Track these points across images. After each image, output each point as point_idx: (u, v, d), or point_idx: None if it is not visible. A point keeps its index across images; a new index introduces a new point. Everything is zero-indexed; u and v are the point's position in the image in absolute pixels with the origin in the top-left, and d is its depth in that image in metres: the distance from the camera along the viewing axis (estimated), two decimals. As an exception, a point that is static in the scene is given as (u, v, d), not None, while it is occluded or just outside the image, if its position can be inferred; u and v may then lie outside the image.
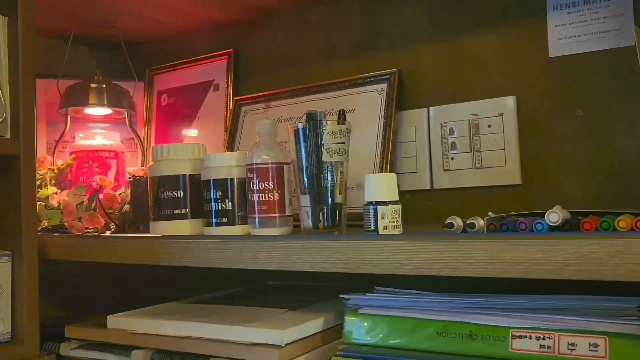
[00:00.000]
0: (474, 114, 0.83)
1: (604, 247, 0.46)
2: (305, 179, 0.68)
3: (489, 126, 0.82)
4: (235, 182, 0.74)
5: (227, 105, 1.09)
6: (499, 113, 0.81)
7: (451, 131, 0.85)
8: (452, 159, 0.84)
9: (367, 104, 0.89)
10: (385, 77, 0.89)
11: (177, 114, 1.17)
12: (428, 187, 0.87)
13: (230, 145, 1.04)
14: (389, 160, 0.84)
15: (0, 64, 0.82)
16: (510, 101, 0.81)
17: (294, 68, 1.04)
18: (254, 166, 0.71)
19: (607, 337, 0.52)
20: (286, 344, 0.64)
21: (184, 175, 0.78)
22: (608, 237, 0.46)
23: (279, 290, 0.95)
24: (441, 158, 0.85)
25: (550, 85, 0.80)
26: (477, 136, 0.82)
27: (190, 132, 1.15)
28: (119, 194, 0.92)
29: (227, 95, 1.10)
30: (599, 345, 0.52)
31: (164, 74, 1.21)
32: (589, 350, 0.52)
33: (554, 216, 0.54)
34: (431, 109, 0.87)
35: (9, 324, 0.83)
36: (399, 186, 0.83)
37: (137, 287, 1.09)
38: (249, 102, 1.05)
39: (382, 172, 0.84)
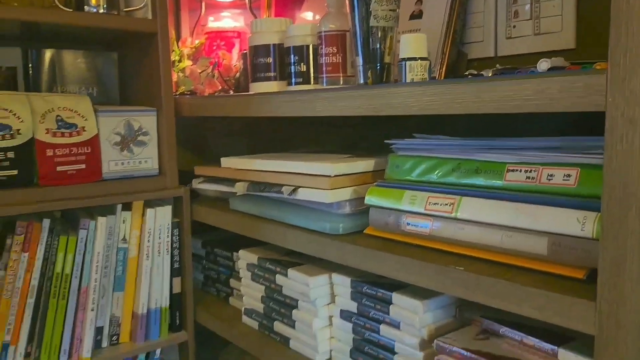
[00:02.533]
0: (539, -19, 0.86)
1: (554, 84, 0.53)
2: (359, 42, 0.81)
3: (549, -8, 0.85)
4: (310, 48, 0.89)
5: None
6: (560, -21, 0.83)
7: (515, 0, 0.89)
8: (514, 26, 0.89)
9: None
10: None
11: (293, -1, 1.33)
12: (492, 54, 0.93)
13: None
14: (452, 30, 0.92)
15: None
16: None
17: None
18: (322, 34, 0.85)
19: (579, 168, 0.60)
20: (335, 175, 0.81)
21: (273, 44, 0.95)
22: (558, 75, 0.54)
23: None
24: (505, 27, 0.90)
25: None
26: (537, 3, 0.86)
27: (304, 14, 1.31)
28: (235, 65, 1.12)
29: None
30: (571, 175, 0.60)
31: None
32: (563, 179, 0.61)
33: (544, 64, 0.61)
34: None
35: (157, 162, 1.11)
36: (467, 54, 0.92)
37: (245, 136, 1.32)
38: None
39: (446, 40, 0.92)
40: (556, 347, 0.64)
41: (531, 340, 0.66)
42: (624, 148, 0.49)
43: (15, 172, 0.95)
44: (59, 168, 0.99)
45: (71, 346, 1.02)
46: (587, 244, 0.55)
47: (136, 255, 1.08)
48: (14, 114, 0.96)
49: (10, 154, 0.94)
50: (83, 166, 1.02)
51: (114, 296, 1.07)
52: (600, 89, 0.50)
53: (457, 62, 0.92)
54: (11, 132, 0.95)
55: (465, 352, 0.68)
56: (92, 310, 1.03)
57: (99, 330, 1.06)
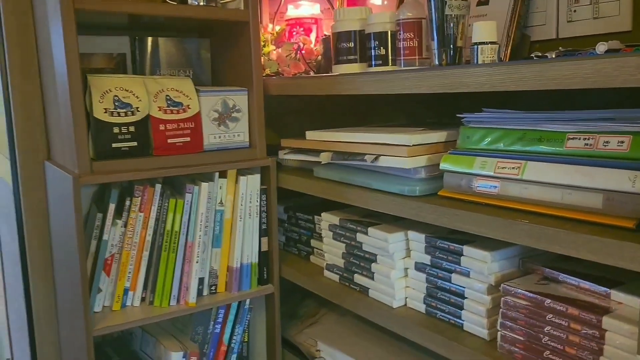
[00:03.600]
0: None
1: (610, 64, 0.64)
2: (434, 28, 0.93)
3: (610, -22, 0.93)
4: (389, 34, 1.01)
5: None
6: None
7: (576, -14, 0.98)
8: (575, 11, 0.99)
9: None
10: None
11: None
12: (554, 36, 1.03)
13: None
14: (517, 14, 1.02)
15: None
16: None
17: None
18: (401, 21, 0.97)
19: (631, 135, 0.70)
20: (413, 145, 0.94)
21: (355, 31, 1.07)
22: (614, 56, 0.64)
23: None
24: (566, 11, 1.00)
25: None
26: (597, -12, 0.95)
27: (373, 1, 1.42)
28: (315, 49, 1.26)
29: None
30: (624, 142, 0.71)
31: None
32: (617, 145, 0.71)
33: (602, 47, 0.71)
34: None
35: (248, 136, 1.26)
36: (530, 36, 1.02)
37: (320, 114, 1.45)
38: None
39: (512, 24, 1.02)
40: (609, 289, 0.75)
41: (587, 284, 0.78)
42: (669, 117, 0.59)
43: (135, 143, 1.12)
44: (169, 140, 1.15)
45: (179, 293, 1.20)
46: (637, 199, 0.66)
47: (230, 217, 1.24)
48: (134, 94, 1.12)
49: (132, 128, 1.11)
50: (188, 139, 1.18)
51: (213, 252, 1.23)
52: (650, 68, 0.60)
53: (521, 44, 1.02)
54: (132, 110, 1.12)
55: (529, 294, 0.80)
56: (197, 262, 1.20)
57: (200, 281, 1.23)
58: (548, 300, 0.78)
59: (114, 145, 1.10)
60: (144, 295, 1.19)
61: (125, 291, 1.17)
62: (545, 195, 0.77)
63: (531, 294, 0.80)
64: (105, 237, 1.13)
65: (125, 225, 1.15)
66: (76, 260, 1.07)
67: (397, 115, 1.39)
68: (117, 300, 1.16)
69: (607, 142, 0.72)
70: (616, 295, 0.74)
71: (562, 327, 0.76)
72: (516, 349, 0.82)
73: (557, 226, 0.73)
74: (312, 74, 1.24)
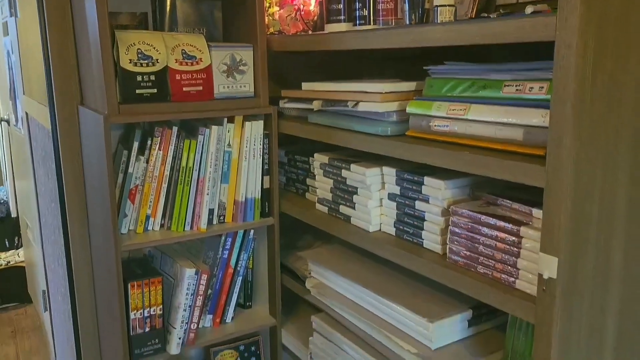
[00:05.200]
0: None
1: (528, 23, 0.81)
2: (406, -7, 1.09)
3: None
4: (371, -3, 1.18)
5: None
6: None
7: (533, -44, 1.13)
8: (532, -22, 1.13)
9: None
10: None
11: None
12: (515, 1, 1.18)
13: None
14: (483, -19, 1.17)
15: None
16: None
17: None
18: (380, -14, 1.14)
19: (549, 82, 0.87)
20: (385, 92, 1.11)
21: (343, -6, 1.24)
22: (530, 16, 0.81)
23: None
24: (525, -23, 1.15)
25: None
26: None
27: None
28: (313, 10, 1.42)
29: None
30: (543, 87, 0.88)
31: None
32: (538, 90, 0.88)
33: (529, 9, 0.87)
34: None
35: (253, 87, 1.45)
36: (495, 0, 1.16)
37: (319, 70, 1.63)
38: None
39: (478, -11, 1.18)
40: (532, 208, 0.93)
41: (517, 205, 0.96)
42: (564, 64, 0.76)
43: (155, 90, 1.31)
44: (184, 89, 1.34)
45: (192, 220, 1.41)
46: (546, 132, 0.83)
47: (237, 157, 1.44)
48: (154, 48, 1.31)
49: (152, 77, 1.30)
50: (200, 88, 1.37)
51: (221, 187, 1.44)
52: (553, 25, 0.77)
53: (487, 6, 1.17)
54: (152, 61, 1.31)
55: (470, 212, 0.99)
56: (207, 194, 1.40)
57: (211, 211, 1.43)
58: (483, 217, 0.96)
59: (137, 91, 1.29)
60: (162, 222, 1.40)
61: (147, 217, 1.38)
62: (483, 131, 0.94)
63: (472, 213, 0.98)
64: (130, 170, 1.34)
65: (147, 162, 1.35)
66: (106, 188, 1.28)
67: (387, 71, 1.56)
68: (140, 224, 1.38)
69: (532, 87, 0.89)
70: (537, 212, 0.91)
71: (492, 237, 0.94)
72: (460, 258, 1.01)
73: (489, 155, 0.91)
74: (309, 32, 1.41)
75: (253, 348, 1.64)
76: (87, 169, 1.52)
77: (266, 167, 1.48)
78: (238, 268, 1.53)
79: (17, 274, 3.23)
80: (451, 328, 1.07)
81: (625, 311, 0.94)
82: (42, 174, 2.13)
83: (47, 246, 2.24)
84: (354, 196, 1.25)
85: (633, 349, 0.98)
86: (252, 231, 1.52)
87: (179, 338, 1.41)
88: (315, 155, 1.37)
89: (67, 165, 1.55)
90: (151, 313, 1.38)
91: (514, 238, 0.91)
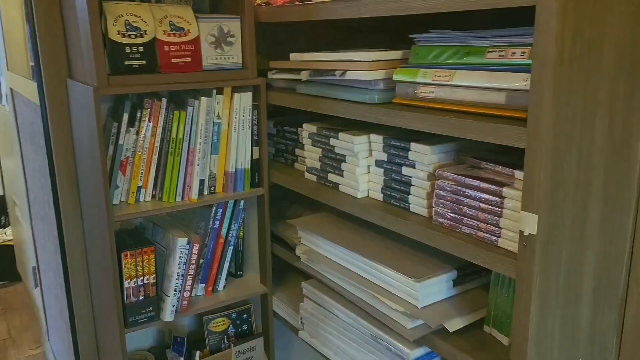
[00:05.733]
0: None
1: (509, -12, 0.83)
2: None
3: None
4: (357, -33, 1.19)
5: None
6: None
7: None
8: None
9: None
10: None
11: None
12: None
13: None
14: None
15: None
16: None
17: None
18: (366, -45, 1.15)
19: (531, 47, 0.90)
20: (373, 61, 1.14)
21: (330, -36, 1.25)
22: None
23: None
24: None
25: None
26: None
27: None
28: (299, -19, 1.43)
29: None
30: (525, 52, 0.91)
31: None
32: (520, 55, 0.91)
33: (512, -24, 0.90)
34: None
35: (240, 58, 1.46)
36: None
37: (307, 40, 1.65)
38: None
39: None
40: (514, 170, 0.97)
41: (499, 168, 1.00)
42: (544, 29, 0.79)
43: (144, 61, 1.32)
44: (173, 60, 1.35)
45: (183, 191, 1.43)
46: (526, 95, 0.87)
47: (226, 129, 1.46)
48: (142, 19, 1.32)
49: (141, 49, 1.31)
50: (189, 59, 1.38)
51: (211, 158, 1.46)
52: (533, -9, 0.80)
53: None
54: (140, 33, 1.31)
55: (455, 175, 1.02)
56: (198, 165, 1.42)
57: (201, 182, 1.46)
58: (467, 179, 1.00)
59: (126, 62, 1.30)
60: (154, 193, 1.42)
61: (139, 188, 1.40)
62: (467, 96, 0.97)
63: (456, 176, 1.02)
64: (120, 141, 1.35)
65: (137, 133, 1.37)
66: (98, 159, 1.30)
67: (374, 44, 1.58)
68: (132, 195, 1.40)
69: (514, 52, 0.92)
70: (518, 174, 0.95)
71: (476, 199, 0.98)
72: (445, 220, 1.05)
73: (473, 119, 0.94)
74: (296, 2, 1.42)
75: (245, 315, 1.68)
76: (76, 142, 1.53)
77: (255, 138, 1.50)
78: (229, 238, 1.56)
79: (5, 252, 3.23)
80: (437, 287, 1.12)
81: (600, 266, 0.98)
82: (29, 150, 2.13)
83: (36, 222, 2.25)
84: (342, 164, 1.28)
85: (608, 302, 1.03)
86: (242, 201, 1.54)
87: (173, 306, 1.45)
88: (304, 125, 1.40)
89: (57, 139, 1.56)
90: (145, 282, 1.41)
91: (496, 199, 0.95)
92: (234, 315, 1.66)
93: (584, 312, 0.99)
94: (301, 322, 1.51)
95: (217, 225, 1.54)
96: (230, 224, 1.55)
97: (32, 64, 1.69)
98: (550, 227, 0.87)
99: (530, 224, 0.86)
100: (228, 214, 1.54)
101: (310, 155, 1.40)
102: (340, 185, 1.30)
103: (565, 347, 0.98)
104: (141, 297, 1.41)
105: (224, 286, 1.59)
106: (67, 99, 1.53)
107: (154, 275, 1.42)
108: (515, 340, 0.93)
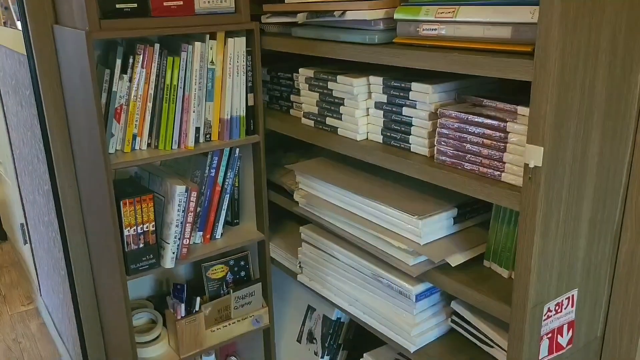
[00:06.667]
0: None
1: None
2: None
3: None
4: None
5: None
6: None
7: None
8: None
9: None
10: None
11: None
12: None
13: None
14: None
15: None
16: None
17: None
18: None
19: None
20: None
21: None
22: None
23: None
24: None
25: None
26: None
27: None
28: None
29: None
30: None
31: None
32: None
33: None
34: None
35: (233, 2, 1.43)
36: None
37: None
38: None
39: None
40: (517, 106, 0.98)
41: (502, 104, 1.01)
42: (553, -43, 0.79)
43: (135, 4, 1.29)
44: (165, 3, 1.32)
45: (179, 138, 1.42)
46: (534, 28, 0.87)
47: (220, 75, 1.44)
48: (132, -40, 1.27)
49: (132, -9, 1.28)
50: (181, 2, 1.34)
51: (207, 105, 1.44)
52: None
53: None
54: (131, -25, 1.27)
55: (458, 113, 1.03)
56: (193, 112, 1.41)
57: (197, 130, 1.44)
58: (470, 116, 1.01)
59: (117, 5, 1.26)
60: (149, 141, 1.41)
61: (134, 137, 1.39)
62: (471, 32, 0.97)
63: (459, 113, 1.03)
64: (114, 88, 1.33)
65: (130, 80, 1.34)
66: (92, 107, 1.27)
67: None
68: (128, 144, 1.38)
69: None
70: (521, 109, 0.96)
71: (479, 135, 1.00)
72: (447, 158, 1.06)
73: (478, 55, 0.94)
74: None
75: (242, 262, 1.70)
76: (66, 91, 1.50)
77: (250, 84, 1.48)
78: (225, 186, 1.56)
79: (-10, 211, 3.19)
80: (438, 225, 1.14)
81: (598, 199, 1.01)
82: (13, 103, 2.08)
83: (23, 178, 2.22)
84: (341, 107, 1.28)
85: (603, 234, 1.07)
86: (237, 149, 1.54)
87: (173, 253, 1.46)
88: (300, 70, 1.39)
89: (47, 89, 1.52)
90: (144, 229, 1.41)
91: (500, 134, 0.96)
92: (231, 262, 1.68)
93: (582, 243, 1.02)
94: (300, 266, 1.54)
95: (213, 174, 1.53)
96: (226, 172, 1.55)
97: (16, 10, 1.63)
98: (554, 159, 0.89)
99: (535, 156, 0.88)
100: (224, 162, 1.54)
101: (307, 101, 1.39)
102: (339, 129, 1.30)
103: (563, 277, 1.01)
104: (141, 245, 1.41)
105: (221, 234, 1.60)
106: (54, 45, 1.49)
107: (154, 223, 1.42)
108: (518, 271, 0.96)
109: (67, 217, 1.62)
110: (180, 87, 1.39)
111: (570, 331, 1.08)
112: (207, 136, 1.47)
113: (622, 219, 1.08)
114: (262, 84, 1.55)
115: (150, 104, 1.38)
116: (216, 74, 1.43)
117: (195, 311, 1.57)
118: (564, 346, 1.07)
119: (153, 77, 1.36)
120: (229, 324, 1.63)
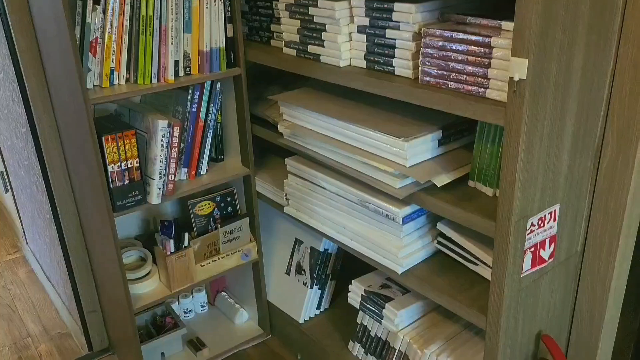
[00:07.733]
0: None
1: None
2: None
3: None
4: None
5: None
6: None
7: None
8: None
9: None
10: None
11: None
12: None
13: None
14: None
15: None
16: None
17: None
18: None
19: None
20: None
21: None
22: None
23: None
24: None
25: None
26: None
27: None
28: None
29: None
30: None
31: None
32: None
33: None
34: None
35: None
36: None
37: None
38: None
39: None
40: (501, 21, 0.97)
41: (486, 21, 1.00)
42: None
43: None
44: None
45: (159, 72, 1.39)
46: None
47: (197, 5, 1.39)
48: None
49: None
50: None
51: (185, 37, 1.41)
52: None
53: None
54: None
55: (441, 31, 1.02)
56: (172, 44, 1.38)
57: (176, 63, 1.41)
58: (454, 33, 1.00)
59: None
60: (127, 76, 1.38)
61: (112, 71, 1.36)
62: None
63: (444, 31, 1.02)
64: (88, 20, 1.28)
65: (104, 12, 1.30)
66: (66, 39, 1.23)
67: None
68: (105, 79, 1.35)
69: None
70: (506, 24, 0.95)
71: (463, 52, 0.99)
72: (432, 79, 1.06)
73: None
74: None
75: (229, 198, 1.70)
76: (38, 26, 1.45)
77: (228, 15, 1.45)
78: (208, 121, 1.54)
79: (-34, 162, 3.13)
80: (423, 147, 1.15)
81: (580, 113, 1.03)
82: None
83: (4, 131, 2.16)
84: (323, 33, 1.26)
85: (585, 149, 1.08)
86: (218, 83, 1.52)
87: (159, 189, 1.45)
88: (280, -5, 1.35)
89: (16, 24, 1.47)
90: (128, 166, 1.40)
91: (484, 49, 0.96)
92: (218, 199, 1.68)
93: (565, 158, 1.04)
94: (286, 198, 1.55)
95: (195, 109, 1.51)
96: (208, 107, 1.53)
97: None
98: (538, 72, 0.89)
99: (520, 69, 0.88)
100: (205, 97, 1.52)
101: (288, 29, 1.37)
102: (321, 56, 1.28)
103: (547, 192, 1.04)
104: (126, 181, 1.41)
105: (207, 170, 1.60)
106: (22, -20, 1.43)
107: (137, 160, 1.41)
108: (503, 186, 0.98)
109: (49, 158, 1.60)
110: (157, 18, 1.35)
111: (552, 245, 1.11)
112: (187, 69, 1.44)
113: (603, 133, 1.10)
114: (241, 14, 1.51)
115: (126, 37, 1.34)
116: (193, 3, 1.39)
117: (185, 247, 1.59)
118: (546, 259, 1.11)
119: (127, 8, 1.31)
120: (219, 259, 1.65)
